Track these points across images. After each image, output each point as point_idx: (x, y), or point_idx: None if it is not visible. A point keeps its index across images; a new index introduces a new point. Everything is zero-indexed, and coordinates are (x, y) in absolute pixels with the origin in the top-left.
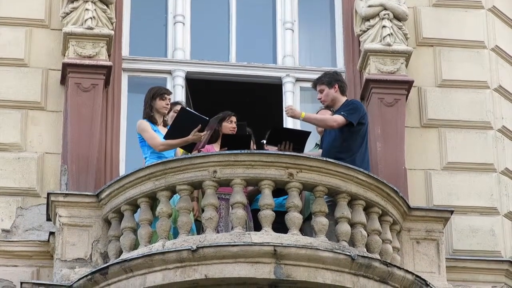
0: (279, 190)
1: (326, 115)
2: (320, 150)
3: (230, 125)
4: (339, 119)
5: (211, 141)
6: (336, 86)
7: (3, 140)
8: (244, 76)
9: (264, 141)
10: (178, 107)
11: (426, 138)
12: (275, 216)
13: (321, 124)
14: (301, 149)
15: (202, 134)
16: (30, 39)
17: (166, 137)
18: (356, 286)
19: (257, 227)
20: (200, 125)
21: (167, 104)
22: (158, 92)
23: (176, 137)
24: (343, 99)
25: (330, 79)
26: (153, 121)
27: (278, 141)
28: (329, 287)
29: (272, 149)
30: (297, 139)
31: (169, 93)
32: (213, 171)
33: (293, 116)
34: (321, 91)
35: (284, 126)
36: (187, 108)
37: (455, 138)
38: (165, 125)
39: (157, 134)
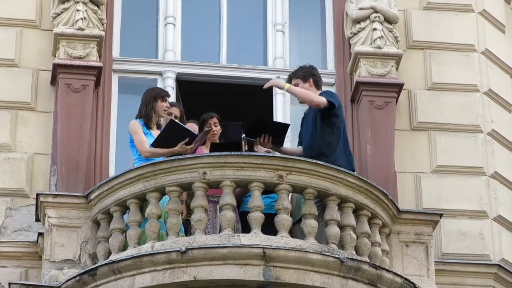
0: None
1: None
2: (301, 147)
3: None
4: (322, 98)
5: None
6: (311, 80)
7: None
8: (235, 78)
9: (244, 135)
10: (172, 109)
11: (416, 141)
12: (264, 218)
13: (304, 98)
14: (280, 142)
15: (188, 147)
16: (21, 40)
17: (153, 145)
18: None
19: (245, 229)
20: (187, 138)
21: (167, 107)
22: (160, 93)
23: (163, 147)
24: (317, 93)
25: (305, 73)
26: (148, 123)
27: (257, 134)
28: None
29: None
30: (277, 132)
31: (169, 95)
32: (203, 172)
33: (276, 85)
34: (296, 85)
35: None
36: (176, 120)
37: (444, 141)
38: (158, 127)
39: (146, 139)
